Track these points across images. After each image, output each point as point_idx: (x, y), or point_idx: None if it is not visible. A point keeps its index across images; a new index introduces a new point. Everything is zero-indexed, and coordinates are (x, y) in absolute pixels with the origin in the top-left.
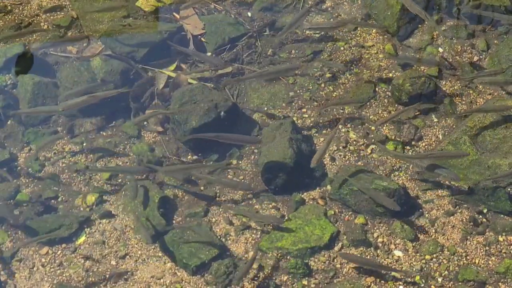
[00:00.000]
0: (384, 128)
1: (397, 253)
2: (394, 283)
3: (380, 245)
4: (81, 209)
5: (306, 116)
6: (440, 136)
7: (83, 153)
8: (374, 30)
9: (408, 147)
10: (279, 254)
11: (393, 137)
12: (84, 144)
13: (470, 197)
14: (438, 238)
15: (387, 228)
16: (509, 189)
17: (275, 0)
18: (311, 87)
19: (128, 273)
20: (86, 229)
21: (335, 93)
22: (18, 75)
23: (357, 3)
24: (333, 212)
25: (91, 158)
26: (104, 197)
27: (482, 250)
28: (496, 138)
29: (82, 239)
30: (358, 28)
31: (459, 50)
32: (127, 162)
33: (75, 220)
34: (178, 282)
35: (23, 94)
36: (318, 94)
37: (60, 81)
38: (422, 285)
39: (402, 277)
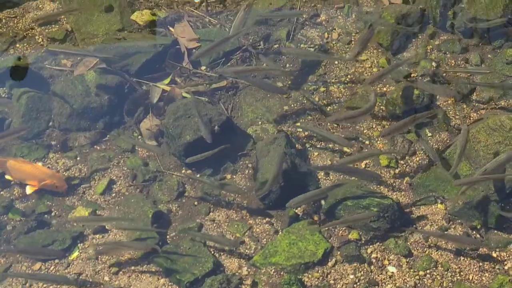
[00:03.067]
0: (378, 142)
1: (391, 269)
2: None
3: (374, 260)
4: (74, 224)
5: (300, 130)
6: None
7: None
8: (368, 44)
9: (402, 162)
10: (273, 270)
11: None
12: (78, 158)
13: (464, 212)
14: (431, 253)
15: (380, 244)
16: (502, 204)
17: (270, 13)
18: (305, 101)
19: None
20: (79, 245)
21: (329, 107)
22: (12, 88)
23: (351, 17)
24: (326, 228)
25: (85, 172)
26: (97, 211)
27: (475, 266)
28: (490, 153)
29: (75, 254)
30: (352, 42)
31: (453, 64)
32: (121, 177)
33: (68, 236)
34: None
35: (17, 107)
36: (312, 108)
37: (54, 95)
38: None
39: None
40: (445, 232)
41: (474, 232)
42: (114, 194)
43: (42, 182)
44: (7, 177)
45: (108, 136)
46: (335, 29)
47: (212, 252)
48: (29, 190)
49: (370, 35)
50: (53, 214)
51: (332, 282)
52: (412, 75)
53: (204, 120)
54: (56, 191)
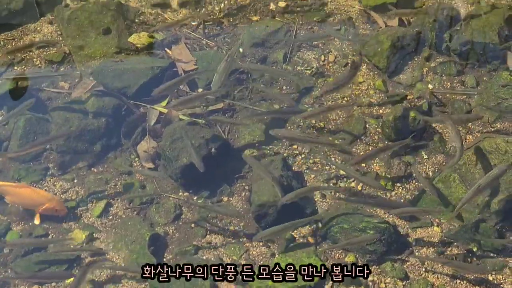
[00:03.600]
0: (375, 164)
1: None
2: None
3: (370, 284)
4: (71, 246)
5: (297, 152)
6: (430, 173)
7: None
8: (364, 66)
9: (398, 184)
10: None
11: (383, 174)
12: (75, 181)
13: (460, 235)
14: (428, 277)
15: (377, 267)
16: (498, 227)
17: (266, 36)
18: (302, 123)
19: None
20: (76, 268)
21: (326, 129)
22: (10, 111)
23: (347, 39)
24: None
25: (81, 195)
26: (94, 234)
27: None
28: None
29: (69, 280)
30: (349, 64)
31: (448, 86)
32: (117, 199)
33: (65, 258)
34: None
35: (15, 130)
36: (309, 131)
37: (51, 117)
38: None
39: None
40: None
41: (471, 255)
42: (111, 217)
43: (41, 207)
44: (7, 200)
45: (105, 158)
46: (331, 52)
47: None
48: (37, 220)
49: (348, 78)
50: (50, 237)
51: None
52: (408, 97)
53: (195, 148)
54: (56, 215)
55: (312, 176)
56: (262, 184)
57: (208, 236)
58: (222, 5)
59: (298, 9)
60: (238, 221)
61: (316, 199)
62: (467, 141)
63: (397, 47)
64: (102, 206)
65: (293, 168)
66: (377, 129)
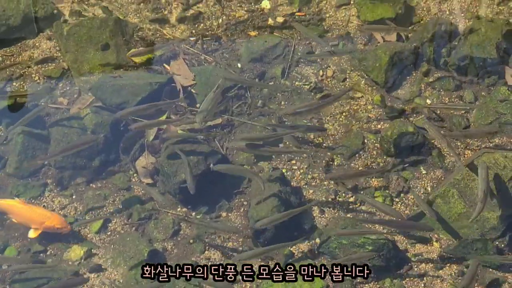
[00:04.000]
0: (373, 180)
1: None
2: None
3: None
4: (70, 263)
5: (295, 168)
6: (429, 188)
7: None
8: (363, 81)
9: (397, 199)
10: None
11: (382, 189)
12: (74, 197)
13: (459, 251)
14: None
15: (376, 283)
16: (497, 243)
17: (265, 51)
18: (300, 139)
19: None
20: None
21: (324, 144)
22: (8, 127)
23: (346, 55)
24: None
25: (80, 211)
26: (93, 250)
27: None
28: None
29: None
30: (347, 79)
31: (447, 102)
32: (115, 215)
33: (64, 275)
34: None
35: (13, 146)
36: (307, 146)
37: (50, 133)
38: None
39: None
40: None
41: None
42: (109, 233)
43: (42, 225)
44: (13, 219)
45: (103, 174)
46: (329, 67)
47: None
48: (32, 233)
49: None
50: (48, 253)
51: None
52: (407, 112)
53: (190, 168)
54: (59, 233)
55: (311, 191)
56: (261, 199)
57: (206, 252)
58: (220, 20)
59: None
60: (236, 237)
61: (314, 215)
62: (466, 156)
63: (395, 62)
64: (101, 222)
65: (292, 184)
66: (376, 144)
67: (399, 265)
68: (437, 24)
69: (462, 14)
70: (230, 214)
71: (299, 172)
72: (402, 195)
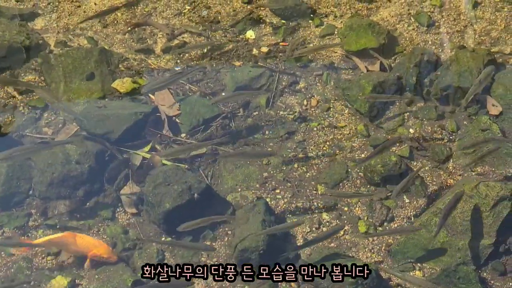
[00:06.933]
0: (357, 208)
1: None
2: None
3: None
4: None
5: (280, 197)
6: (412, 217)
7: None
8: (346, 111)
9: (380, 228)
10: None
11: (365, 218)
12: (58, 227)
13: (441, 279)
14: None
15: None
16: (479, 272)
17: (249, 81)
18: (284, 168)
19: None
20: None
21: (308, 173)
22: None
23: (330, 84)
24: None
25: None
26: (76, 280)
27: None
28: (466, 220)
29: None
30: (331, 108)
31: (429, 131)
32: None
33: None
34: None
35: None
36: (291, 175)
37: (34, 163)
38: None
39: None
40: None
41: None
42: (94, 263)
43: (89, 253)
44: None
45: (87, 204)
46: (314, 96)
47: None
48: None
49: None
50: (32, 283)
51: None
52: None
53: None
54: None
55: (295, 220)
56: (245, 229)
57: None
58: (205, 50)
59: (280, 54)
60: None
61: (299, 244)
62: (448, 184)
63: (379, 92)
64: None
65: (276, 213)
66: (360, 173)
67: None
68: (420, 54)
69: (445, 44)
70: (214, 244)
71: (283, 201)
72: (385, 224)
